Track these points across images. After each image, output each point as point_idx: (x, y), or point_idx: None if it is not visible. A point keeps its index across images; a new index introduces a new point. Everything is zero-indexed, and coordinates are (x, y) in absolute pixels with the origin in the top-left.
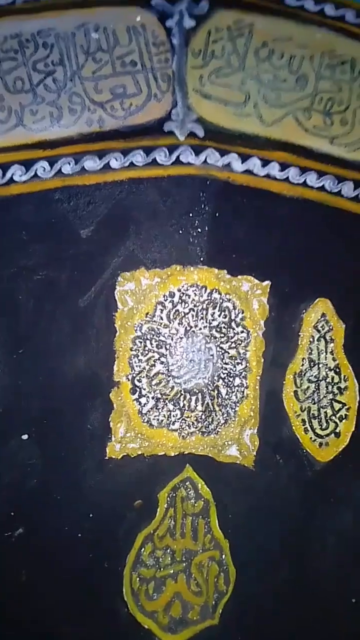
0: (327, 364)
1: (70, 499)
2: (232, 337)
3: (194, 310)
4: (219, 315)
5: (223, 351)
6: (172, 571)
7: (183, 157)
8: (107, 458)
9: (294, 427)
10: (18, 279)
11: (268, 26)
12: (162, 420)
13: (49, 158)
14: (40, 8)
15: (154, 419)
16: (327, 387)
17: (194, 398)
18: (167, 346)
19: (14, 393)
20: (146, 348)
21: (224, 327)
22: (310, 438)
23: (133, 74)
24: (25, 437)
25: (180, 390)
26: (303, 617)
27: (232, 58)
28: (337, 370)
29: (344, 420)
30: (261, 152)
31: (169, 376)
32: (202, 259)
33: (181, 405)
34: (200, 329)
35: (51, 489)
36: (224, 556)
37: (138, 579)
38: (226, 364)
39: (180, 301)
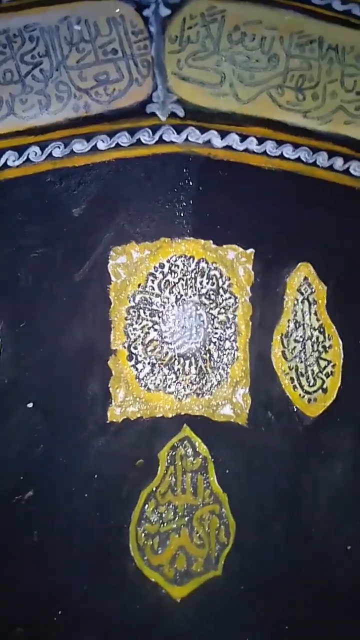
0: (311, 325)
1: (76, 462)
2: (220, 303)
3: (183, 280)
4: (207, 283)
5: (213, 317)
6: (175, 526)
7: (166, 136)
8: (108, 422)
9: (283, 385)
10: (16, 257)
11: (239, 11)
12: (158, 384)
13: (39, 143)
14: (25, 5)
15: (151, 384)
16: (312, 346)
17: (187, 362)
18: (160, 314)
19: (17, 364)
20: (140, 317)
21: (213, 294)
22: (299, 395)
23: (115, 61)
24: (30, 405)
25: (174, 355)
26: (300, 565)
27: (207, 42)
28: (322, 329)
29: (330, 377)
30: (239, 128)
31: (163, 342)
32: (188, 231)
33: (176, 369)
34: (190, 296)
35: (57, 453)
36: (223, 510)
37: (143, 534)
38: (216, 328)
39: (170, 271)
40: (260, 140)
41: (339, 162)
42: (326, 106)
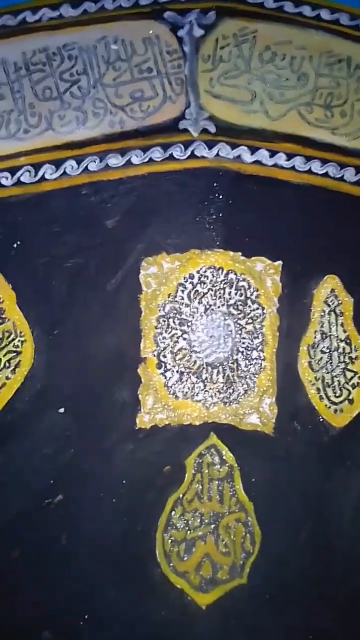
0: (337, 336)
1: (104, 468)
2: (248, 314)
3: (212, 290)
4: (236, 294)
5: (240, 327)
6: (201, 533)
7: (197, 152)
8: (137, 428)
9: (309, 396)
10: (51, 267)
11: (270, 31)
12: (186, 392)
13: (76, 157)
14: (64, 24)
15: (179, 391)
16: (339, 357)
17: (215, 371)
18: (189, 324)
19: (50, 371)
20: (169, 326)
21: (241, 305)
22: (326, 405)
23: (149, 79)
24: (61, 410)
25: (203, 364)
26: (326, 575)
27: (239, 61)
28: (348, 341)
29: (356, 388)
30: (268, 144)
31: (191, 351)
32: (217, 243)
33: (204, 377)
34: (219, 307)
35: (86, 458)
36: (249, 518)
37: (170, 541)
38: (244, 338)
39: (199, 282)
40: (289, 156)
41: None
42: (354, 123)
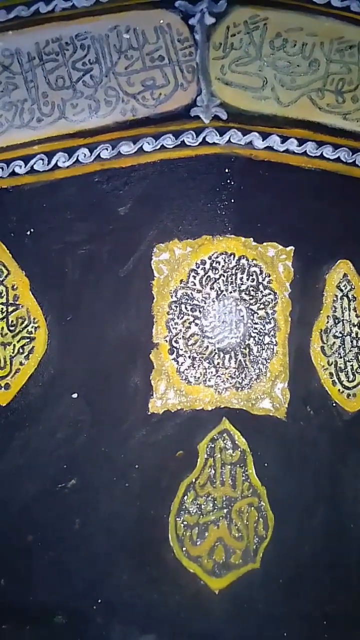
0: (350, 321)
1: (117, 452)
2: (260, 299)
3: (224, 276)
4: (248, 280)
5: (252, 312)
6: (213, 517)
7: (209, 138)
8: (149, 413)
9: (322, 380)
10: (64, 253)
11: (281, 19)
12: (198, 377)
13: (88, 145)
14: (77, 14)
15: (191, 377)
16: (351, 341)
17: (227, 356)
18: (201, 309)
19: (63, 356)
20: (182, 312)
21: (253, 290)
22: (339, 390)
23: (161, 67)
24: (75, 395)
25: (215, 350)
26: (339, 559)
27: (250, 48)
28: None
29: None
30: (280, 130)
31: (203, 337)
32: (229, 228)
33: (216, 363)
34: (231, 292)
35: (99, 443)
36: (262, 502)
37: (182, 525)
38: (256, 323)
39: (211, 268)
40: (301, 142)
41: None
42: None
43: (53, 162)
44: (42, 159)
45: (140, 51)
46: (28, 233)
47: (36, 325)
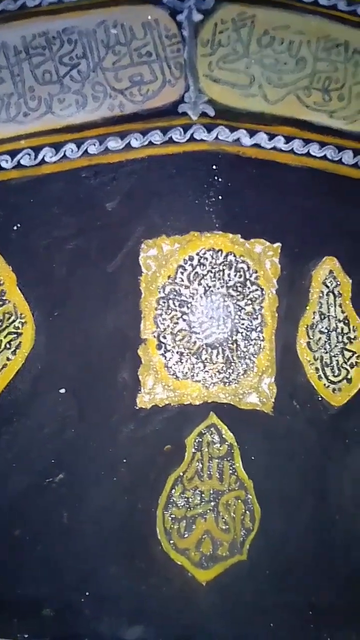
0: (336, 316)
1: (105, 447)
2: (247, 295)
3: (211, 272)
4: (235, 276)
5: (240, 308)
6: (201, 510)
7: (197, 135)
8: (137, 408)
9: (308, 375)
10: (52, 249)
11: (268, 16)
12: (186, 373)
13: (76, 140)
14: (64, 8)
15: (179, 372)
16: (337, 337)
17: (214, 351)
18: (189, 305)
19: (51, 351)
20: (169, 307)
21: (240, 286)
22: (324, 384)
23: (149, 63)
24: (63, 390)
25: (202, 345)
26: (324, 551)
27: (237, 46)
28: (346, 321)
29: (354, 367)
30: (267, 127)
31: (191, 332)
32: (217, 225)
33: (203, 358)
34: (218, 288)
35: (88, 437)
36: (248, 495)
37: (170, 518)
38: (243, 319)
39: (198, 264)
40: (288, 139)
41: None
42: (351, 107)
43: (40, 157)
44: (29, 154)
45: (128, 47)
46: (15, 228)
47: (23, 320)
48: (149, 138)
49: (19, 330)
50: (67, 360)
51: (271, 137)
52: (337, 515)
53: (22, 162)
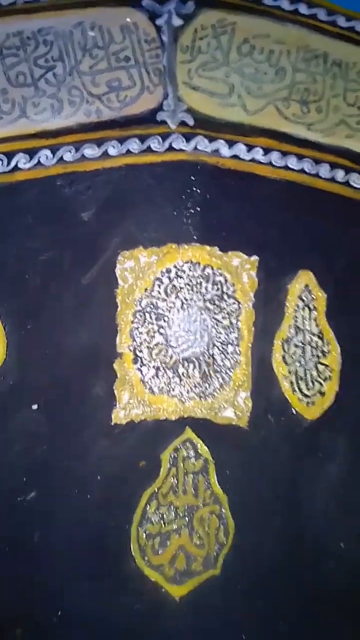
0: (311, 330)
1: (79, 463)
2: (224, 309)
3: (189, 285)
4: (212, 289)
5: (217, 321)
6: (175, 526)
7: (175, 144)
8: (112, 424)
9: (283, 389)
10: (24, 259)
11: (248, 24)
12: (162, 387)
13: (51, 146)
14: (40, 8)
15: (155, 386)
16: (311, 351)
17: (191, 365)
18: (165, 318)
19: (22, 366)
20: (146, 321)
21: (217, 300)
22: (298, 398)
23: (127, 68)
24: (35, 407)
25: (179, 359)
26: (297, 564)
27: (217, 53)
28: (320, 335)
29: (328, 381)
30: (246, 138)
31: (167, 346)
32: (195, 237)
33: (180, 372)
34: (195, 301)
35: (60, 454)
36: (223, 510)
37: (144, 534)
38: (220, 333)
39: (176, 276)
40: (266, 151)
41: (340, 174)
42: (329, 119)
43: (13, 163)
44: (2, 160)
45: (105, 50)
46: None
47: None
48: (126, 146)
49: None
50: (39, 374)
51: (250, 148)
52: (309, 529)
53: None
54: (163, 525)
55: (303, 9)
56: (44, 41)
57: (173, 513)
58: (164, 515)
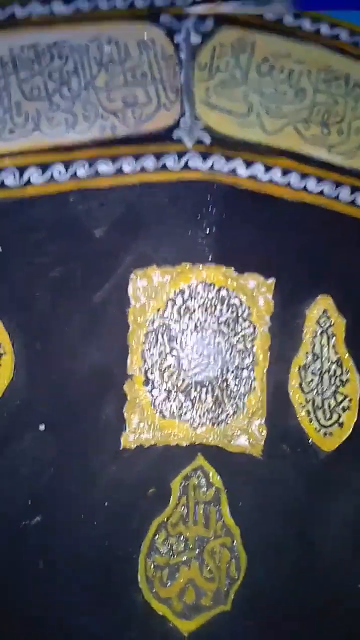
0: (329, 358)
1: (86, 489)
2: (239, 332)
3: (203, 306)
4: (227, 311)
5: (231, 345)
6: (185, 558)
7: (191, 163)
8: (121, 448)
9: (299, 418)
10: (34, 276)
11: (268, 43)
12: (174, 412)
13: (64, 162)
14: (56, 21)
15: (166, 410)
16: (330, 379)
17: (204, 390)
18: (178, 340)
19: (30, 386)
20: (158, 342)
21: (232, 322)
22: (315, 428)
23: (143, 85)
24: (42, 428)
25: (191, 383)
26: (311, 602)
27: (236, 72)
28: (339, 363)
29: (346, 411)
30: (264, 158)
31: (180, 369)
32: (210, 257)
33: (192, 396)
34: (209, 324)
35: (67, 479)
36: (235, 543)
37: (152, 566)
38: (234, 357)
39: (190, 297)
40: (285, 172)
41: None
42: (350, 142)
43: (25, 177)
44: (14, 174)
45: (122, 66)
46: None
47: (2, 351)
48: (141, 163)
49: None
50: (47, 395)
51: (268, 169)
52: (324, 566)
53: (6, 182)
54: (172, 557)
55: (325, 29)
56: (59, 54)
57: (183, 544)
58: (173, 546)
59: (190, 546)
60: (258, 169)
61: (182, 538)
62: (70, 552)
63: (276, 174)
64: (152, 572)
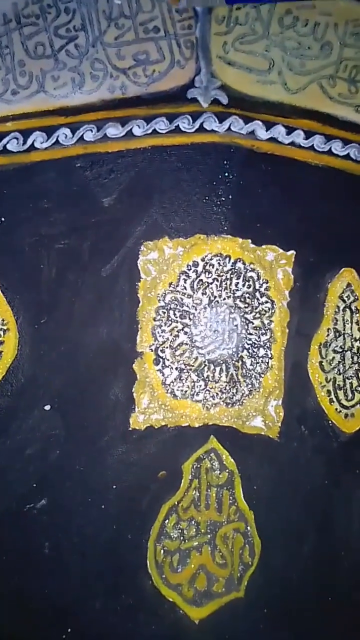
0: (352, 335)
1: (94, 471)
2: (256, 307)
3: (217, 280)
4: (243, 285)
5: (247, 321)
6: (196, 543)
7: (207, 125)
8: (130, 429)
9: (319, 398)
10: (40, 247)
11: None
12: (185, 391)
13: (70, 125)
14: None
15: (177, 390)
16: (352, 357)
17: (218, 369)
18: (191, 316)
19: (36, 363)
20: (169, 318)
21: (248, 297)
22: (336, 409)
23: (156, 40)
24: (47, 407)
25: (204, 361)
26: (328, 589)
27: (256, 25)
28: None
29: None
30: (286, 119)
31: (192, 347)
32: (226, 228)
33: (205, 376)
34: (224, 299)
35: (74, 460)
36: (249, 528)
37: (162, 551)
38: (250, 334)
39: (204, 271)
40: (308, 134)
41: None
42: None
43: (29, 142)
44: (17, 138)
45: (132, 20)
46: None
47: (5, 327)
48: (153, 126)
49: (0, 339)
50: (53, 373)
51: (290, 131)
52: (342, 551)
53: (8, 147)
54: (183, 542)
55: None
56: (66, 9)
57: (194, 529)
58: (184, 531)
59: (202, 531)
60: (279, 131)
61: (193, 522)
62: (77, 536)
63: (299, 136)
64: (162, 557)
